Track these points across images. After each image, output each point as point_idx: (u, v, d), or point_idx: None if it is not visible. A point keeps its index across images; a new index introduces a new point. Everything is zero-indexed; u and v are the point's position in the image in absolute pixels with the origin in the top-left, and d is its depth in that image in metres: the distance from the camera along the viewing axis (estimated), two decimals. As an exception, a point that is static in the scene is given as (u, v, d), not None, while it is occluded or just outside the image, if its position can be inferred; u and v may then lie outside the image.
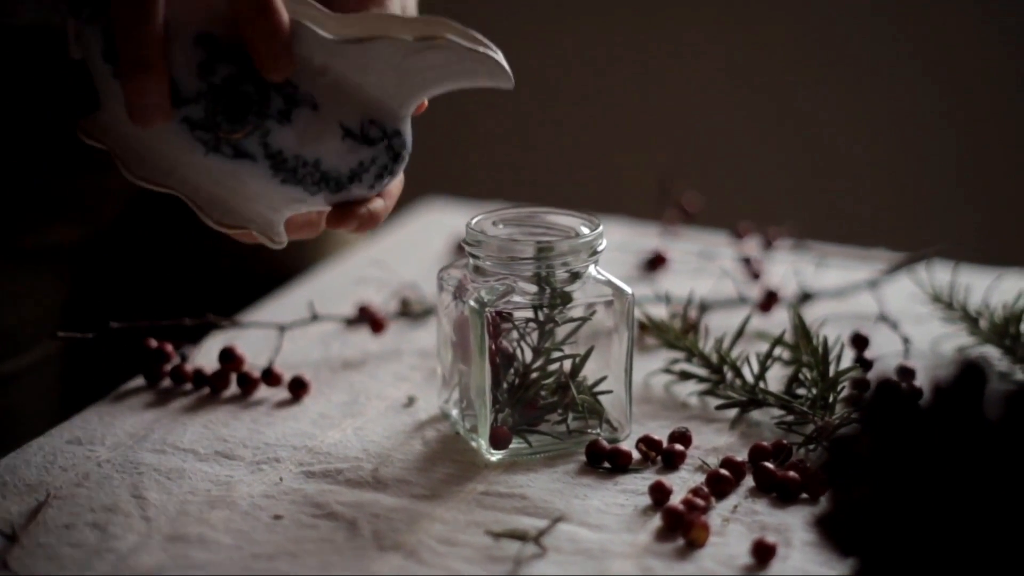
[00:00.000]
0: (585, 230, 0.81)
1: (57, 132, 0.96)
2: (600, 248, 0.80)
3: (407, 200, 1.39)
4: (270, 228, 0.74)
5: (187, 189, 0.73)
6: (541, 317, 0.80)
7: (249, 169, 0.72)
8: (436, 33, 0.72)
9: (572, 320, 0.80)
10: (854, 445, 0.57)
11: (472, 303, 0.78)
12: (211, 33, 0.70)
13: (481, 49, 0.72)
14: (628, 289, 0.81)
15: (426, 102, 0.74)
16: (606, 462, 0.80)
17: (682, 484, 0.78)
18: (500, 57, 0.72)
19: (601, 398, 0.82)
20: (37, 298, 1.00)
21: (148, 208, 1.05)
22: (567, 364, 0.81)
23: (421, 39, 0.71)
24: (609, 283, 0.81)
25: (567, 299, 0.80)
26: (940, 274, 1.04)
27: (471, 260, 0.81)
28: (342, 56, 0.71)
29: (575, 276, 0.80)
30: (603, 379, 0.81)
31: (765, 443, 0.80)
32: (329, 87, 0.72)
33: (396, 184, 0.76)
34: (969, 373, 0.55)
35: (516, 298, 0.79)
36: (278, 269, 1.10)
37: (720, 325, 0.97)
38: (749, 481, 0.78)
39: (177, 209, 1.04)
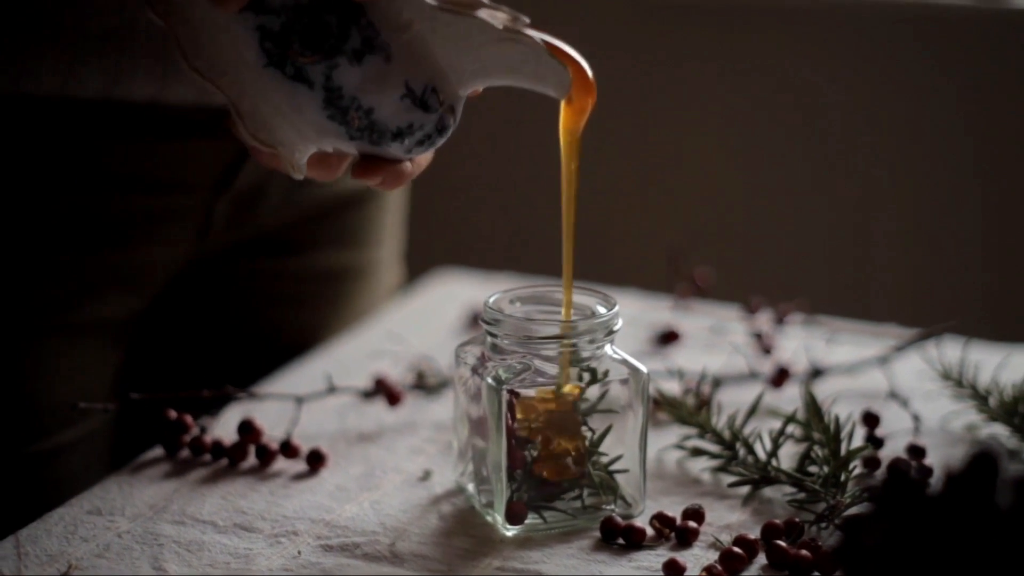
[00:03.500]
0: (601, 309, 0.82)
1: (103, 207, 0.97)
2: (616, 328, 0.81)
3: (420, 270, 1.41)
4: (296, 156, 0.75)
5: (233, 93, 0.73)
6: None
7: (302, 94, 0.72)
8: (520, 29, 0.74)
9: (588, 398, 0.81)
10: (866, 532, 0.58)
11: (490, 380, 0.80)
12: None
13: (557, 59, 0.73)
14: (643, 368, 0.82)
15: (481, 88, 0.75)
16: (620, 538, 0.81)
17: (695, 561, 0.79)
18: (568, 73, 0.74)
19: (616, 474, 0.83)
20: (88, 371, 1.01)
21: (193, 280, 1.07)
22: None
23: (509, 30, 0.73)
24: (625, 362, 0.82)
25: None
26: (950, 351, 1.05)
27: (488, 338, 0.82)
28: (430, 20, 0.72)
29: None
30: (619, 457, 0.82)
31: (777, 521, 0.81)
32: (406, 44, 0.72)
33: (426, 156, 0.76)
34: (981, 461, 0.56)
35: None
36: (295, 340, 1.11)
37: (732, 400, 0.98)
38: (762, 559, 0.79)
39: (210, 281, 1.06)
